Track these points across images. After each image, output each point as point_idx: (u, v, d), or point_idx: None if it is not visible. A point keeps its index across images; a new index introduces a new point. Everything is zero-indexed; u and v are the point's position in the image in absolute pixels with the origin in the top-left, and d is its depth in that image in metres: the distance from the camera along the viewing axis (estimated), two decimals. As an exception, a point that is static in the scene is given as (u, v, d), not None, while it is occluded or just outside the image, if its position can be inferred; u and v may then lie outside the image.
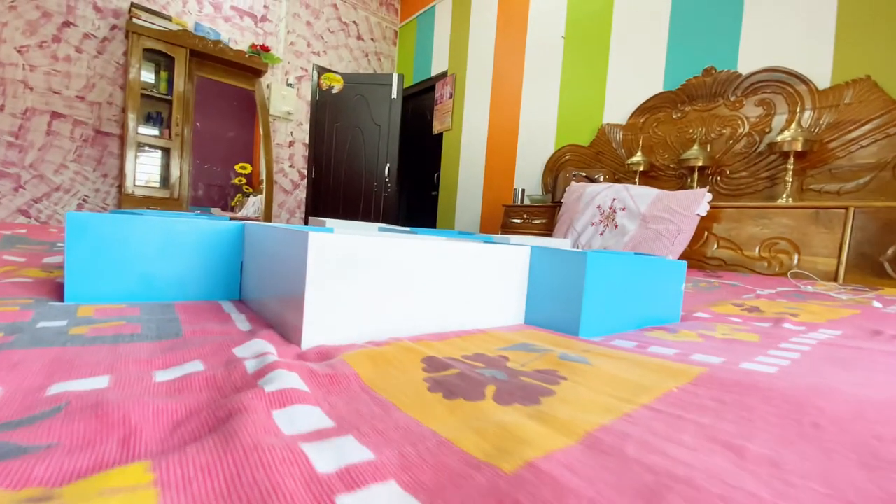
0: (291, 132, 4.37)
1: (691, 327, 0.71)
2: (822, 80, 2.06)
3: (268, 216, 3.80)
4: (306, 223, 4.51)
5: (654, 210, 2.07)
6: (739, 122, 2.26)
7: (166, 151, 3.36)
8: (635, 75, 2.80)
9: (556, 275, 0.63)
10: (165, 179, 3.40)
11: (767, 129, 2.16)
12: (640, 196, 2.16)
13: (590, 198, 2.37)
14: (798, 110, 2.03)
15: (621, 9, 2.92)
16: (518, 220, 3.00)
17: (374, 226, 1.63)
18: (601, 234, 2.24)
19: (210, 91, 3.66)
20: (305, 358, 0.39)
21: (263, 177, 3.80)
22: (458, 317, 0.57)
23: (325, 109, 4.45)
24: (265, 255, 0.57)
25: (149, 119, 3.31)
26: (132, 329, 0.45)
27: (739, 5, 2.35)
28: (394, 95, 4.32)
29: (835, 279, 1.65)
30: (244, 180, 3.97)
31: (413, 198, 5.13)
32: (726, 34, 2.40)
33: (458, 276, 0.56)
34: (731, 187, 2.28)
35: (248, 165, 3.99)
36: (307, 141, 4.49)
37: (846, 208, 1.66)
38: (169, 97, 3.31)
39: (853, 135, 1.92)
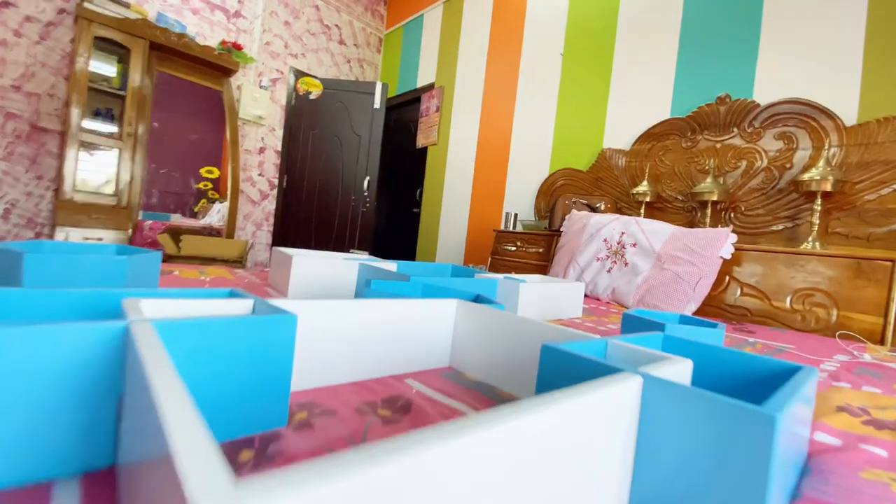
0: (262, 138, 4.02)
1: (858, 499, 0.44)
2: (848, 115, 1.91)
3: (231, 228, 3.43)
4: (274, 243, 4.13)
5: (670, 249, 1.85)
6: (757, 155, 2.08)
7: (118, 153, 2.96)
8: (640, 99, 2.61)
9: (696, 437, 0.35)
10: (115, 184, 3.00)
11: (789, 165, 1.99)
12: (654, 232, 1.94)
13: (594, 229, 2.14)
14: (825, 147, 1.86)
15: (625, 29, 2.74)
16: (511, 248, 2.74)
17: (353, 260, 1.33)
18: (608, 271, 2.00)
19: (172, 89, 3.28)
20: None
21: (229, 185, 3.44)
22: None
23: (300, 115, 4.12)
24: (150, 423, 0.27)
25: (97, 115, 2.91)
26: None
27: (756, 31, 2.19)
28: (376, 105, 4.04)
29: (881, 341, 1.46)
30: (210, 185, 3.60)
31: (393, 214, 4.83)
32: (741, 62, 2.23)
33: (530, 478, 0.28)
34: (746, 225, 2.09)
35: (214, 169, 3.62)
36: (279, 148, 4.14)
37: (892, 261, 1.48)
38: (123, 93, 2.93)
39: (884, 176, 1.76)
